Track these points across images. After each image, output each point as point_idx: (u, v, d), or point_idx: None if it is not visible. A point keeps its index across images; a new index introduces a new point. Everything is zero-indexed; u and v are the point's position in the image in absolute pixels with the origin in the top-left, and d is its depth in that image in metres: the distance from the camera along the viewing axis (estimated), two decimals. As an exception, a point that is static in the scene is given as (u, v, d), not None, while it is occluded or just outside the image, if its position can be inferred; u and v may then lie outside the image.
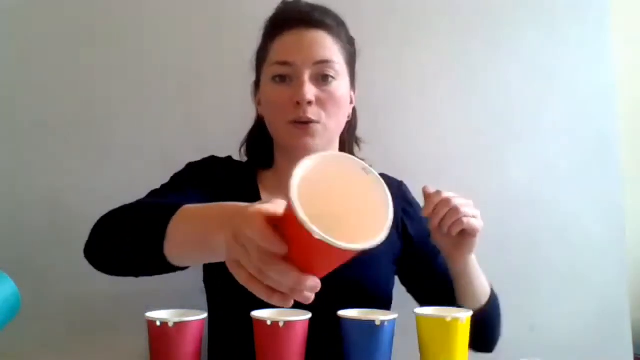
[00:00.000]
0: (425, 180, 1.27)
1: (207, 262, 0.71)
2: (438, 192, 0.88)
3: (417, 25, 1.34)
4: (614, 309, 1.34)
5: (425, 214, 0.89)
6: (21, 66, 1.24)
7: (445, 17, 1.35)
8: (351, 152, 1.08)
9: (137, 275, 0.79)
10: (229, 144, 1.14)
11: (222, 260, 0.60)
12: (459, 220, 0.86)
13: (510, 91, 1.36)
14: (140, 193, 0.98)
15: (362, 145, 1.11)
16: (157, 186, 1.00)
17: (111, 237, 0.78)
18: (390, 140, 1.13)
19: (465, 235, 0.89)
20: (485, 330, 0.98)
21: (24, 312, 0.69)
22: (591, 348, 1.32)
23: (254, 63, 1.03)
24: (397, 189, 1.11)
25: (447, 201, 0.86)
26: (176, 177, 1.00)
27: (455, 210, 0.86)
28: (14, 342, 1.05)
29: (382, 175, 1.10)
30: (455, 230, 0.87)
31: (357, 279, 0.96)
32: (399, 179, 1.14)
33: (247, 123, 1.10)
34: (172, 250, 0.68)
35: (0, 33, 1.23)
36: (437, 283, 1.01)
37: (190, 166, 1.02)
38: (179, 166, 1.02)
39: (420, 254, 1.05)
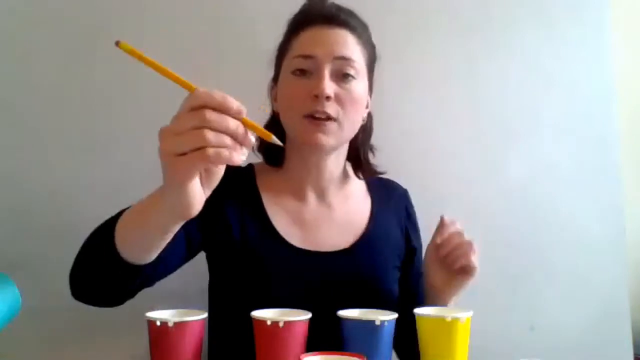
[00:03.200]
0: (425, 179, 1.28)
1: (158, 239, 0.72)
2: (454, 222, 0.91)
3: (417, 26, 1.34)
4: (614, 309, 1.34)
5: (439, 240, 0.91)
6: (21, 66, 1.23)
7: (445, 17, 1.35)
8: (366, 159, 1.07)
9: (112, 296, 0.80)
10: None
11: (166, 226, 0.67)
12: (467, 255, 0.88)
13: (510, 91, 1.36)
14: (141, 193, 0.97)
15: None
16: (157, 186, 0.99)
17: (80, 271, 0.79)
18: (390, 140, 1.13)
19: (463, 272, 0.91)
20: None
21: (24, 312, 0.69)
22: (591, 348, 1.32)
23: (274, 59, 1.02)
24: (403, 196, 1.12)
25: (461, 234, 0.89)
26: None
27: (468, 244, 0.89)
28: (14, 342, 1.05)
29: (388, 180, 1.11)
30: (460, 263, 0.89)
31: (360, 271, 0.97)
32: (399, 178, 1.14)
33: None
34: (122, 247, 0.72)
35: (0, 33, 1.23)
36: (408, 299, 1.00)
37: None
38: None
39: (411, 267, 1.06)
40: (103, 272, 0.75)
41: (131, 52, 0.61)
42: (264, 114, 1.06)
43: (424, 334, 0.79)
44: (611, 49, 1.39)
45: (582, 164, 1.37)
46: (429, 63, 1.34)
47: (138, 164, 1.23)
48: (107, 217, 0.89)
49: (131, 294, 0.82)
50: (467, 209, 1.32)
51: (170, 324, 0.72)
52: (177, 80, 0.62)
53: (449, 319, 0.76)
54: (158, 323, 0.73)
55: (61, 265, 0.88)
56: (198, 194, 0.63)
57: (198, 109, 0.58)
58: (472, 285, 1.26)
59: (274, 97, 1.03)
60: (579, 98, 1.38)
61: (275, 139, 0.63)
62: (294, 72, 0.94)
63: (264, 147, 1.06)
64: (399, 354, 1.04)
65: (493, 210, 1.34)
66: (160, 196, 0.66)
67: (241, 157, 0.59)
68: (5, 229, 1.19)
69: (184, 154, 0.58)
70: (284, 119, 0.98)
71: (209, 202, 0.96)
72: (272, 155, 1.05)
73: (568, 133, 1.37)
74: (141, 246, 0.73)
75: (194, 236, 0.93)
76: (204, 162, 0.58)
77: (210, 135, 0.57)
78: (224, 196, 0.98)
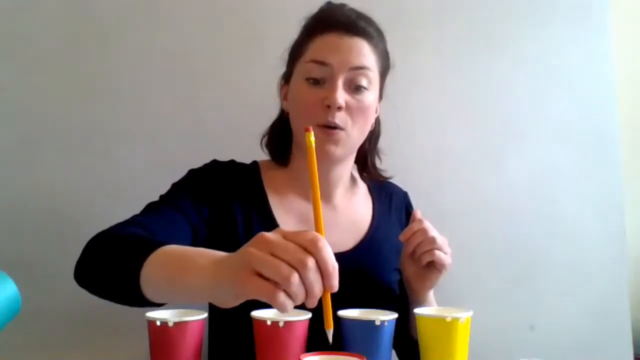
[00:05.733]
0: (426, 180, 1.28)
1: (183, 301, 0.73)
2: (420, 221, 0.91)
3: (417, 26, 1.34)
4: (614, 308, 1.34)
5: (402, 238, 0.91)
6: (21, 66, 1.23)
7: (446, 17, 1.35)
8: (372, 164, 1.08)
9: (121, 304, 0.79)
10: (230, 144, 1.14)
11: (196, 301, 0.68)
12: (431, 251, 0.88)
13: (510, 91, 1.36)
14: (140, 193, 0.98)
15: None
16: (157, 185, 0.99)
17: (95, 268, 0.78)
18: (391, 140, 1.13)
19: (432, 268, 0.91)
20: None
21: (24, 312, 0.69)
22: (591, 348, 1.32)
23: (286, 57, 1.02)
24: (403, 198, 1.13)
25: (425, 230, 0.89)
26: (176, 188, 0.98)
27: (431, 240, 0.88)
28: (14, 342, 1.05)
29: (388, 182, 1.12)
30: (425, 259, 0.89)
31: (362, 272, 0.97)
32: (400, 178, 1.14)
33: (247, 123, 1.10)
34: (147, 289, 0.70)
35: (0, 33, 1.23)
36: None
37: (192, 174, 1.00)
38: (180, 166, 1.02)
39: None
40: (119, 292, 0.75)
41: (310, 146, 0.66)
42: (254, 111, 1.06)
43: (424, 334, 0.79)
44: (611, 49, 1.39)
45: (582, 163, 1.37)
46: (429, 63, 1.34)
47: (138, 164, 1.24)
48: (106, 217, 0.90)
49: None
50: (467, 209, 1.32)
51: (170, 324, 0.72)
52: (317, 208, 0.64)
53: (449, 319, 0.76)
54: (158, 323, 0.73)
55: (61, 265, 0.88)
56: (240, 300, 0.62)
57: (307, 252, 0.57)
58: (472, 285, 1.27)
59: (283, 96, 1.03)
60: (579, 97, 1.38)
61: (329, 334, 0.64)
62: (307, 79, 0.94)
63: (271, 144, 1.06)
64: (399, 355, 1.04)
65: (493, 210, 1.34)
66: (207, 277, 0.64)
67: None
68: (5, 229, 1.19)
69: (260, 274, 0.57)
70: (294, 123, 0.99)
71: (216, 199, 0.97)
72: (279, 153, 1.05)
73: (568, 133, 1.37)
74: (166, 298, 0.73)
75: (200, 233, 0.93)
76: (268, 299, 0.57)
77: (295, 281, 0.56)
78: (230, 193, 0.98)
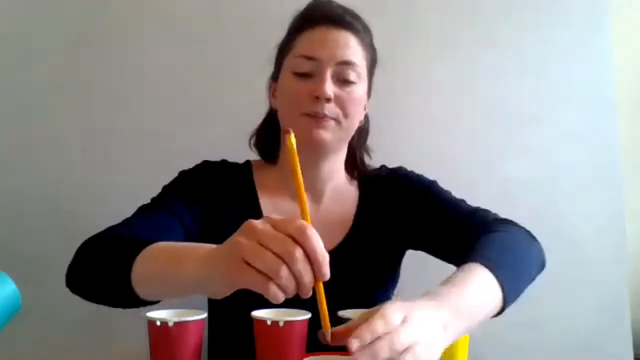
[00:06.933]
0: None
1: (175, 295, 0.73)
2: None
3: (416, 25, 1.34)
4: (614, 308, 1.34)
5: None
6: (21, 66, 1.23)
7: (446, 17, 1.35)
8: (361, 160, 1.08)
9: (114, 307, 0.79)
10: (229, 143, 1.14)
11: (189, 293, 0.67)
12: None
13: (510, 91, 1.36)
14: (140, 193, 0.98)
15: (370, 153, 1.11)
16: (157, 186, 1.00)
17: (86, 272, 0.79)
18: (391, 139, 1.14)
19: None
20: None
21: (24, 312, 0.69)
22: (591, 348, 1.32)
23: (274, 56, 1.02)
24: (394, 179, 1.06)
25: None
26: (167, 190, 0.98)
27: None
28: (14, 342, 1.05)
29: (378, 172, 1.08)
30: None
31: (349, 264, 0.96)
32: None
33: (247, 123, 1.10)
34: (139, 287, 0.72)
35: (0, 33, 1.23)
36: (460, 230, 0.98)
37: (182, 175, 1.00)
38: (179, 166, 1.02)
39: (442, 217, 1.01)
40: (110, 293, 0.76)
41: (291, 147, 0.64)
42: (254, 111, 1.06)
43: (424, 334, 0.79)
44: (611, 49, 1.39)
45: (582, 163, 1.37)
46: (428, 63, 1.34)
47: (137, 165, 1.24)
48: (106, 217, 0.90)
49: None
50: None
51: (170, 324, 0.72)
52: (302, 201, 0.65)
53: (449, 319, 0.75)
54: (158, 323, 0.73)
55: (61, 265, 0.88)
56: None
57: (295, 243, 0.57)
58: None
59: (272, 93, 1.03)
60: (579, 98, 1.38)
61: (328, 335, 0.62)
62: (295, 73, 0.94)
63: (259, 142, 1.06)
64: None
65: (493, 210, 1.33)
66: (199, 269, 0.64)
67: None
68: (5, 229, 1.19)
69: (250, 264, 0.57)
70: (283, 116, 0.99)
71: (207, 200, 0.97)
72: (268, 151, 1.05)
73: (568, 133, 1.37)
74: (159, 294, 0.74)
75: (192, 235, 0.93)
76: (259, 290, 0.57)
77: (284, 273, 0.56)
78: (221, 194, 0.98)
